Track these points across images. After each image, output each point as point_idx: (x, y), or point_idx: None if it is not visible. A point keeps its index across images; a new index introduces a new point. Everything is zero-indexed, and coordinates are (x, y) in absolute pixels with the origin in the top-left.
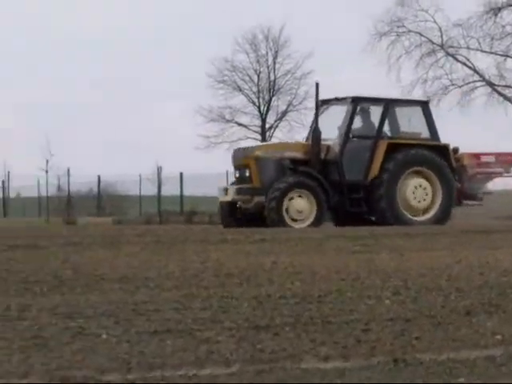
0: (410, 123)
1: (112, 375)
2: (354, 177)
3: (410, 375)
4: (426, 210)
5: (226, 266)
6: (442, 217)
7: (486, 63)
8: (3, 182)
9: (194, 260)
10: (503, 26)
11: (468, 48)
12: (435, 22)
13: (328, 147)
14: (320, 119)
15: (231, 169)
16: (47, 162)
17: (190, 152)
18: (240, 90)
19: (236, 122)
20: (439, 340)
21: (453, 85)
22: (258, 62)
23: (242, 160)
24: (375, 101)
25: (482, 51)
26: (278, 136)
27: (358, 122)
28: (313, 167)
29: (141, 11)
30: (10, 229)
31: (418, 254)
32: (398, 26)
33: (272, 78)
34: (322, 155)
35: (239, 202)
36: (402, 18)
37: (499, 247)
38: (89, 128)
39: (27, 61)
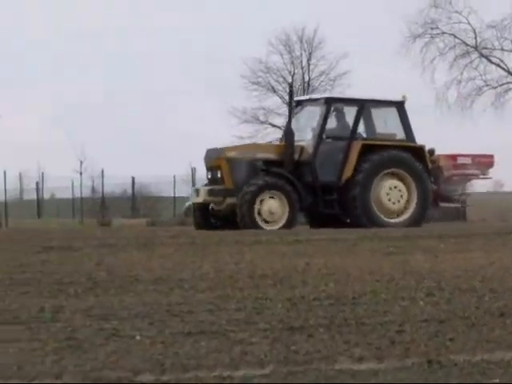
0: (386, 124)
1: (146, 376)
2: (327, 178)
3: (444, 376)
4: (400, 212)
5: (260, 267)
6: (417, 219)
7: None
8: (37, 183)
9: (228, 261)
10: None
11: (502, 49)
12: (469, 23)
13: (302, 148)
14: (295, 120)
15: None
16: (81, 163)
17: None
18: (274, 91)
19: (270, 124)
20: (473, 341)
21: (487, 85)
22: (292, 63)
23: (214, 161)
24: (349, 101)
25: None
26: None
27: (332, 123)
28: (285, 168)
29: (173, 11)
30: (44, 230)
31: (452, 256)
32: (432, 28)
33: (306, 79)
34: (296, 156)
35: (211, 204)
36: (436, 20)
37: None
38: (123, 129)
39: (65, 62)
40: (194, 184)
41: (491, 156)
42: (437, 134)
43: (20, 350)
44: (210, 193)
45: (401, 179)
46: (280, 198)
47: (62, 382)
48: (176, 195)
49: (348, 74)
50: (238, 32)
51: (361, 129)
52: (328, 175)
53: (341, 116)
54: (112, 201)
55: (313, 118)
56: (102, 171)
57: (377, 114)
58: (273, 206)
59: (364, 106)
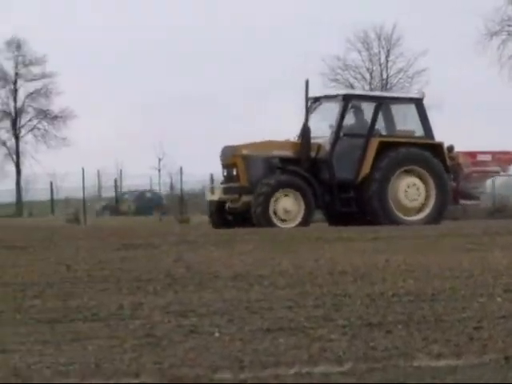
0: (406, 121)
1: (225, 373)
2: (344, 176)
3: None
4: (419, 210)
5: (340, 263)
6: (436, 217)
7: None
8: (116, 180)
9: (308, 258)
10: None
11: None
12: None
13: (319, 145)
14: (312, 117)
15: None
16: (159, 160)
17: None
18: (352, 88)
19: None
20: None
21: None
22: (370, 60)
23: (230, 158)
24: (367, 98)
25: None
26: None
27: (350, 120)
28: (302, 166)
29: (250, 12)
30: (122, 227)
31: None
32: (509, 25)
33: (384, 76)
34: (313, 154)
35: (227, 202)
36: None
37: None
38: (202, 127)
39: (145, 62)
40: None
41: (511, 153)
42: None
43: (99, 347)
44: (226, 191)
45: (419, 177)
46: (295, 196)
47: (141, 382)
48: None
49: (426, 71)
50: (316, 29)
51: (380, 126)
52: (345, 173)
53: (359, 113)
54: (191, 198)
55: (330, 115)
56: (181, 168)
57: (396, 110)
58: (288, 204)
59: (382, 103)
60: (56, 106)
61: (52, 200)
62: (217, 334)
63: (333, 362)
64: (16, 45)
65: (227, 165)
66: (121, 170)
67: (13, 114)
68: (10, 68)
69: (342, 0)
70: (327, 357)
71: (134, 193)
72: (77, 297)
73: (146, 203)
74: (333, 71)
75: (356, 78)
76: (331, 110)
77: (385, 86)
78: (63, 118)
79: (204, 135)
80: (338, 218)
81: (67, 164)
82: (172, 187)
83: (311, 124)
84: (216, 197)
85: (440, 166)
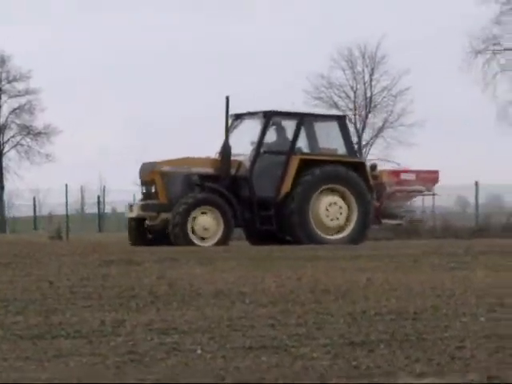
0: (329, 139)
1: None
2: (264, 193)
3: None
4: (340, 229)
5: (322, 282)
6: (358, 236)
7: None
8: (98, 197)
9: (290, 276)
10: None
11: None
12: None
13: (239, 163)
14: (234, 134)
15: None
16: None
17: None
18: (336, 107)
19: None
20: None
21: None
22: (354, 78)
23: (148, 175)
24: (289, 115)
25: None
26: (374, 153)
27: (272, 137)
28: (221, 183)
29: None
30: (104, 244)
31: None
32: (494, 44)
33: (368, 94)
34: (233, 171)
35: (147, 219)
36: (498, 36)
37: None
38: (184, 142)
39: (130, 76)
40: None
41: (436, 172)
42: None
43: (81, 364)
44: (144, 208)
45: (340, 195)
46: (214, 214)
47: None
48: None
49: (410, 89)
50: (300, 47)
51: (303, 144)
52: (265, 190)
53: (281, 130)
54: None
55: (252, 132)
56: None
57: (319, 128)
58: (206, 222)
59: (303, 120)
60: (40, 121)
61: (35, 216)
62: (199, 352)
63: (315, 380)
64: (0, 60)
65: (146, 181)
66: (104, 186)
67: None
68: None
69: (325, 17)
70: (310, 375)
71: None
72: (59, 313)
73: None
74: (317, 89)
75: (340, 97)
76: (253, 127)
77: (369, 104)
78: (47, 134)
79: (186, 151)
80: (258, 236)
81: (50, 180)
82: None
83: (233, 141)
84: (134, 214)
85: (362, 184)
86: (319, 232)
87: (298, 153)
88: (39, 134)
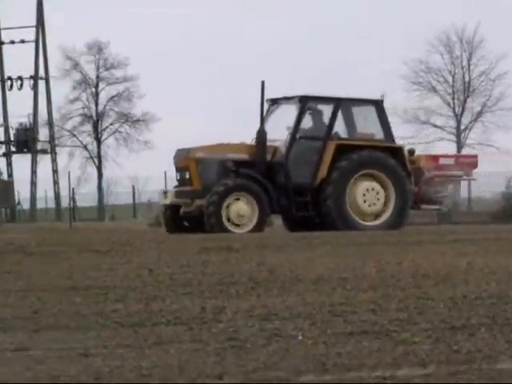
0: (366, 124)
1: (308, 376)
2: (300, 179)
3: None
4: (378, 215)
5: (422, 266)
6: (396, 222)
7: None
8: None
9: (390, 261)
10: None
11: None
12: None
13: (275, 148)
14: (270, 119)
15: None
16: None
17: None
18: (435, 92)
19: (431, 124)
20: None
21: None
22: (452, 63)
23: (183, 161)
24: (324, 100)
25: None
26: (473, 137)
27: (309, 123)
28: (256, 169)
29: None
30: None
31: None
32: None
33: (467, 79)
34: (269, 157)
35: (182, 206)
36: None
37: None
38: None
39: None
40: None
41: (475, 156)
42: None
43: (181, 351)
44: (178, 194)
45: (378, 180)
46: (249, 200)
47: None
48: None
49: (508, 74)
50: (397, 32)
51: (341, 128)
52: (301, 176)
53: (318, 115)
54: None
55: (288, 117)
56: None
57: (357, 113)
58: (241, 209)
59: (340, 105)
60: (138, 109)
61: (134, 204)
62: (300, 338)
63: (416, 365)
64: (97, 48)
65: (180, 168)
66: None
67: (94, 118)
68: (91, 71)
69: (424, 3)
70: (410, 360)
71: None
72: (159, 300)
73: None
74: (415, 74)
75: (439, 81)
76: (289, 112)
77: (467, 89)
78: (145, 121)
79: None
80: (296, 222)
81: (149, 167)
82: None
83: (269, 127)
84: (168, 201)
85: (400, 169)
86: (356, 218)
87: (334, 138)
88: (137, 121)
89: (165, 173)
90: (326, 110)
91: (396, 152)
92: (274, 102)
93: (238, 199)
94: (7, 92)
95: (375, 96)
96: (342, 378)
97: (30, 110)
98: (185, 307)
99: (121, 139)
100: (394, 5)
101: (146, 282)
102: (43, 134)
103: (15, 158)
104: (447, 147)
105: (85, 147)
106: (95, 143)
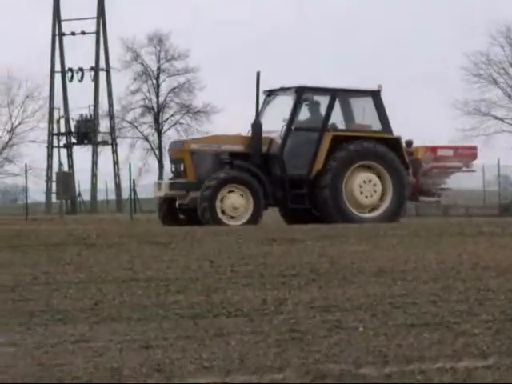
0: (364, 114)
1: (369, 368)
2: (296, 171)
3: None
4: (375, 207)
5: (483, 258)
6: (393, 214)
7: None
8: None
9: (450, 253)
10: None
11: None
12: None
13: (271, 140)
14: (266, 110)
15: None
16: None
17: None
18: (495, 84)
19: (492, 115)
20: None
21: None
22: None
23: (177, 153)
24: (321, 91)
25: None
26: None
27: (306, 114)
28: (252, 161)
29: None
30: (263, 222)
31: None
32: None
33: None
34: (265, 148)
35: (176, 199)
36: None
37: None
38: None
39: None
40: None
41: (474, 148)
42: None
43: (242, 343)
44: (172, 186)
45: (375, 172)
46: (244, 193)
47: (285, 376)
48: None
49: None
50: (457, 25)
51: (338, 120)
52: (297, 168)
53: (314, 107)
54: None
55: (284, 108)
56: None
57: (354, 104)
58: (236, 201)
59: (336, 96)
60: (199, 100)
61: None
62: (361, 329)
63: (477, 357)
64: (158, 40)
65: (175, 160)
66: None
67: (155, 109)
68: (152, 63)
69: None
70: (471, 351)
71: None
72: (220, 292)
73: None
74: (476, 66)
75: (499, 73)
76: (285, 104)
77: None
78: (206, 112)
79: None
80: (291, 215)
81: None
82: None
83: (266, 118)
84: (162, 193)
85: (397, 161)
86: (353, 209)
87: (331, 129)
88: (198, 112)
89: None
90: (323, 101)
91: (393, 143)
92: (271, 92)
93: (233, 191)
94: (68, 83)
95: (372, 87)
96: (403, 369)
97: (91, 102)
98: (246, 299)
99: (182, 130)
100: None
101: (206, 273)
102: (104, 125)
103: (76, 149)
104: (508, 139)
105: (145, 138)
106: (156, 134)
